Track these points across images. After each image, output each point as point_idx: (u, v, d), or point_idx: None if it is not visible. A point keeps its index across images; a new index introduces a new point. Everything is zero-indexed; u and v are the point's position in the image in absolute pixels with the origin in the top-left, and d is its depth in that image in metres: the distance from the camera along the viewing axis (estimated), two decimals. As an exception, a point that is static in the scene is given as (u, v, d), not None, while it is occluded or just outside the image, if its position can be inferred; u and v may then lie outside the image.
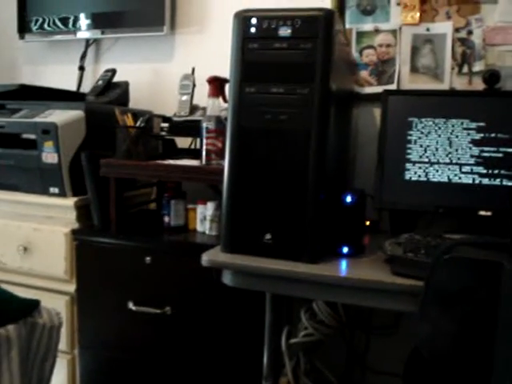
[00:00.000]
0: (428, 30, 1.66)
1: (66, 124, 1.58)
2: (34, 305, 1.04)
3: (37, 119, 1.61)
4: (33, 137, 1.62)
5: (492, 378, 0.90)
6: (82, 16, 2.10)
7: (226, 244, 1.23)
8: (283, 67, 1.16)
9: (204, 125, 1.47)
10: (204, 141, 1.47)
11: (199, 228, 1.63)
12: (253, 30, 1.18)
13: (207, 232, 1.60)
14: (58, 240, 1.63)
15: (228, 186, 1.21)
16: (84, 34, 2.12)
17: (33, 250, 1.68)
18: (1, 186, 1.75)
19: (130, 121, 1.58)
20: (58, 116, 1.60)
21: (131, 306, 1.53)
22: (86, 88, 2.11)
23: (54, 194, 1.65)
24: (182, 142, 1.85)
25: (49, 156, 1.59)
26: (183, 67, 1.86)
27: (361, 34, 1.74)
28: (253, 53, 1.19)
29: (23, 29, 2.21)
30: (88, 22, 2.09)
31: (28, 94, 1.78)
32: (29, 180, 1.68)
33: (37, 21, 2.17)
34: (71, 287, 1.65)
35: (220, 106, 1.51)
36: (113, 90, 1.89)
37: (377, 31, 1.72)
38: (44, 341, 1.06)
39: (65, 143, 1.58)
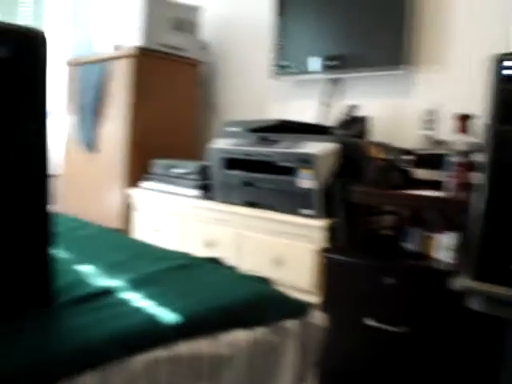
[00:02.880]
0: None
1: (324, 155, 1.82)
2: (308, 306, 1.24)
3: (297, 150, 1.88)
4: (290, 164, 1.89)
5: None
6: (322, 59, 2.39)
7: (475, 272, 1.31)
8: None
9: (451, 159, 1.57)
10: (450, 173, 1.58)
11: (436, 255, 1.71)
12: (508, 72, 1.26)
13: (444, 259, 1.68)
14: (306, 256, 1.86)
15: (481, 219, 1.29)
16: (324, 75, 2.41)
17: (283, 262, 1.94)
18: (260, 205, 2.06)
19: (379, 153, 1.75)
20: (316, 147, 1.85)
21: (368, 321, 1.68)
22: (324, 121, 2.36)
23: (305, 215, 1.89)
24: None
25: (305, 182, 1.84)
26: (421, 103, 1.98)
27: None
28: (509, 93, 1.27)
29: (275, 71, 2.59)
30: (328, 63, 2.37)
31: (284, 128, 2.08)
32: (284, 201, 1.95)
33: (286, 65, 2.54)
34: (313, 298, 1.85)
35: (467, 142, 1.60)
36: (355, 124, 2.10)
37: None
38: (315, 339, 1.25)
39: (321, 171, 1.82)
